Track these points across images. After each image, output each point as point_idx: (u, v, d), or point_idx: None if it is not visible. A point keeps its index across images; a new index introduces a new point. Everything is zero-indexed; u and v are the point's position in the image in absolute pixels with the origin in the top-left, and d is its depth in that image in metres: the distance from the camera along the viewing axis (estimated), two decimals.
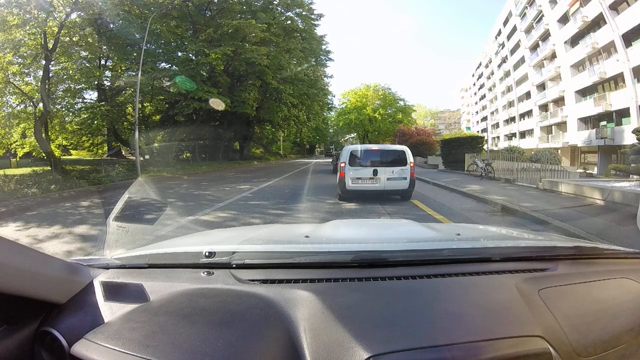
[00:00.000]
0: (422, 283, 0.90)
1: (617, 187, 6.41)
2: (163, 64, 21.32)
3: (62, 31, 14.45)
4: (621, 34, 19.30)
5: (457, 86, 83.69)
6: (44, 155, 15.07)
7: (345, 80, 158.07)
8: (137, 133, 14.30)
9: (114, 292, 0.86)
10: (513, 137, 38.04)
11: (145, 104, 23.00)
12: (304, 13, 24.61)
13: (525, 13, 32.23)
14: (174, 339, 0.66)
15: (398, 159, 7.06)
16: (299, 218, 5.70)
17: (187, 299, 0.82)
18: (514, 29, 34.97)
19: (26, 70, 15.14)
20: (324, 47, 28.85)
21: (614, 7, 20.14)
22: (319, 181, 12.10)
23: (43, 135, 14.97)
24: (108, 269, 0.99)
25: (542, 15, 28.49)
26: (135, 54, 18.97)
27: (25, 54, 14.26)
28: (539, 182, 8.86)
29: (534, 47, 31.20)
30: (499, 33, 40.17)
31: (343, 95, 46.11)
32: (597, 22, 21.73)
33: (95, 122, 19.26)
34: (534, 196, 7.41)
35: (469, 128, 45.62)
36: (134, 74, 17.58)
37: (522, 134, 36.34)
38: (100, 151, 24.26)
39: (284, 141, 52.05)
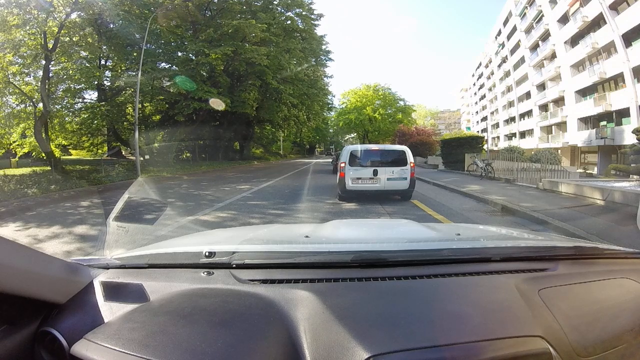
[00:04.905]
0: (422, 283, 0.90)
1: (617, 187, 6.40)
2: (163, 64, 21.30)
3: (62, 31, 14.46)
4: (621, 34, 19.31)
5: (457, 86, 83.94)
6: (43, 155, 15.07)
7: (345, 80, 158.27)
8: (137, 133, 14.29)
9: (114, 292, 0.86)
10: (513, 137, 38.06)
11: (145, 104, 22.97)
12: (304, 13, 24.59)
13: (525, 13, 32.25)
14: (174, 339, 0.66)
15: (398, 159, 7.06)
16: (298, 218, 5.70)
17: (187, 299, 0.82)
18: (514, 29, 34.98)
19: (26, 70, 15.14)
20: (324, 47, 28.83)
21: (614, 7, 20.15)
22: (318, 181, 12.09)
23: (43, 135, 14.98)
24: (108, 269, 0.99)
25: (542, 15, 28.50)
26: (135, 54, 18.96)
27: (25, 54, 14.26)
28: (539, 182, 8.86)
29: (534, 47, 31.21)
30: (499, 33, 40.18)
31: (343, 95, 46.12)
32: (597, 22, 21.74)
33: (95, 122, 19.24)
34: (534, 196, 7.41)
35: (469, 128, 45.71)
36: (134, 74, 17.56)
37: (522, 134, 36.36)
38: (100, 151, 24.23)
39: (284, 141, 52.03)
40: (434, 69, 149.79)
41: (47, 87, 14.58)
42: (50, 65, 14.89)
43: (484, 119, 47.17)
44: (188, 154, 24.41)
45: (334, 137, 60.58)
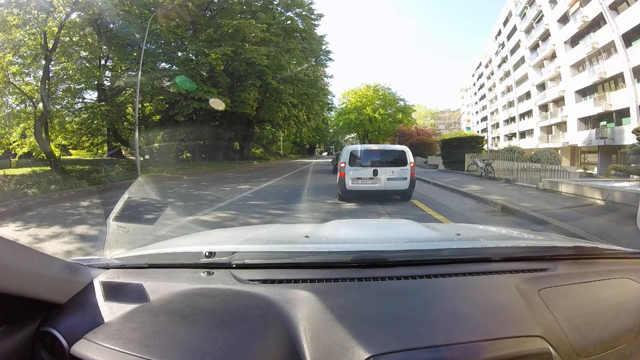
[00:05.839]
0: (422, 283, 0.90)
1: (617, 187, 6.41)
2: (163, 64, 21.31)
3: (62, 31, 14.44)
4: (621, 34, 19.30)
5: (457, 86, 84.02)
6: (43, 155, 15.06)
7: (345, 80, 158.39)
8: (137, 133, 14.30)
9: (114, 292, 0.86)
10: (513, 137, 38.05)
11: (145, 104, 22.98)
12: (304, 13, 24.61)
13: (525, 13, 32.24)
14: (174, 339, 0.66)
15: (398, 159, 7.06)
16: (298, 218, 5.70)
17: (187, 299, 0.82)
18: (514, 29, 34.98)
19: (26, 70, 15.12)
20: (324, 47, 28.84)
21: (614, 7, 20.15)
22: (318, 181, 12.09)
23: (43, 135, 14.96)
24: (108, 269, 0.99)
25: (542, 15, 28.50)
26: (135, 54, 18.97)
27: (25, 54, 14.25)
28: (539, 182, 8.86)
29: (534, 47, 31.21)
30: (499, 33, 40.17)
31: (343, 95, 46.06)
32: (597, 22, 21.74)
33: (95, 122, 19.25)
34: (534, 196, 7.41)
35: (469, 128, 45.67)
36: (134, 74, 17.56)
37: (522, 134, 36.36)
38: (100, 151, 24.23)
39: (284, 141, 52.05)
40: (434, 69, 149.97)
41: (47, 87, 14.56)
42: (50, 65, 14.88)
43: (484, 119, 47.17)
44: (188, 154, 24.41)
45: (334, 137, 60.54)
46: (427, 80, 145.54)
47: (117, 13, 15.89)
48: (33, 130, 14.99)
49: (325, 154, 62.87)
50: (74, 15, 15.16)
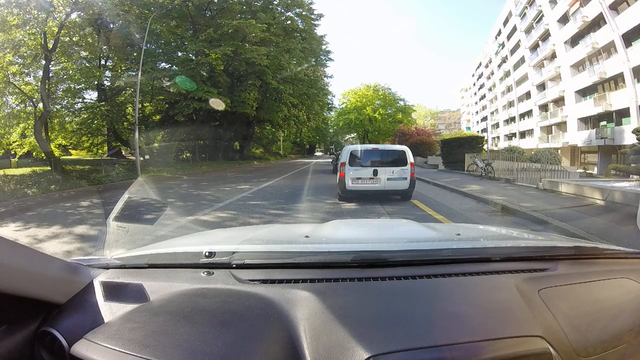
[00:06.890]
0: (422, 283, 0.90)
1: (617, 187, 6.40)
2: (163, 64, 21.32)
3: (62, 31, 14.44)
4: (621, 34, 19.31)
5: (457, 86, 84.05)
6: (43, 155, 15.06)
7: (345, 80, 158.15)
8: (137, 133, 14.31)
9: (114, 292, 0.86)
10: (513, 137, 38.06)
11: (145, 104, 22.97)
12: (304, 13, 24.63)
13: (525, 13, 32.25)
14: (174, 339, 0.66)
15: (398, 159, 7.06)
16: (298, 218, 5.70)
17: (187, 299, 0.82)
18: (514, 29, 34.99)
19: (26, 70, 15.11)
20: (324, 47, 28.87)
21: (614, 7, 20.15)
22: (318, 181, 12.09)
23: (43, 135, 14.96)
24: (108, 269, 0.99)
25: (542, 15, 28.51)
26: (135, 54, 18.98)
27: (25, 54, 14.24)
28: (539, 182, 8.86)
29: (534, 47, 31.22)
30: (499, 33, 40.19)
31: (343, 95, 46.16)
32: (597, 22, 21.74)
33: (95, 122, 19.25)
34: (534, 196, 7.41)
35: (469, 128, 45.70)
36: (134, 74, 17.56)
37: (522, 134, 36.36)
38: (100, 151, 24.23)
39: (284, 141, 52.04)
40: (434, 69, 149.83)
41: (47, 87, 14.55)
42: (50, 65, 14.87)
43: (484, 119, 47.18)
44: (188, 154, 24.40)
45: (334, 137, 60.59)
46: (427, 80, 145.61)
47: (117, 13, 15.89)
48: (33, 130, 14.97)
49: (319, 153, 63.42)
50: (74, 15, 15.16)
